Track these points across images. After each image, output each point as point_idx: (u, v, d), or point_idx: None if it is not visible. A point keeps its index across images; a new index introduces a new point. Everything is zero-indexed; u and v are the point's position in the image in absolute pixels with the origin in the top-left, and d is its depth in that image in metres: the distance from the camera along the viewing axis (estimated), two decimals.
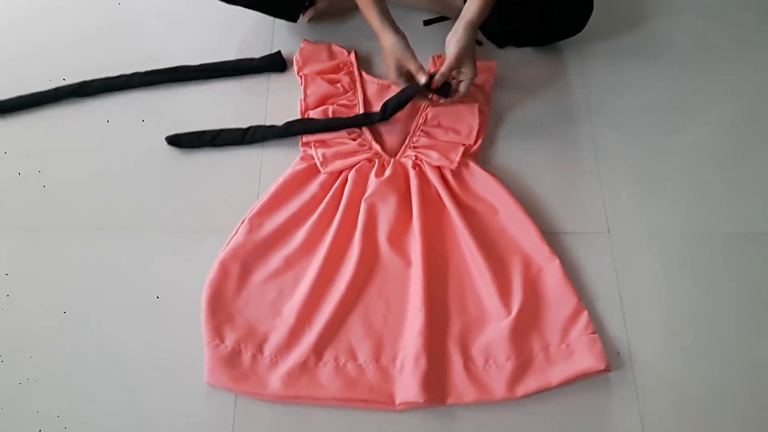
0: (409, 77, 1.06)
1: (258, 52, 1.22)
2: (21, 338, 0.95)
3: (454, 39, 1.03)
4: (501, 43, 1.22)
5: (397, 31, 1.06)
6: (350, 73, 1.18)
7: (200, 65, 1.20)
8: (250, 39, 1.25)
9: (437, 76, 1.04)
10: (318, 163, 1.05)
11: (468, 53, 1.04)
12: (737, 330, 0.96)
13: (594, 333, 0.91)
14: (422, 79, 1.04)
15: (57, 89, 1.18)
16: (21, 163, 1.11)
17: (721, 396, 0.91)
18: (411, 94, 1.06)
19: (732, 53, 1.24)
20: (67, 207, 1.07)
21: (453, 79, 1.06)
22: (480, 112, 1.11)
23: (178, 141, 1.11)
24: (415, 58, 1.04)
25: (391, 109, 1.08)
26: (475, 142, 1.09)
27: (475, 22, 1.04)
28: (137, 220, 1.05)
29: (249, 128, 1.12)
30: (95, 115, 1.17)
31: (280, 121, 1.12)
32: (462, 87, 1.06)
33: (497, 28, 1.13)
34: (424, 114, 1.12)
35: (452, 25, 1.04)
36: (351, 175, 1.04)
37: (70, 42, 1.26)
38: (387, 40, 1.05)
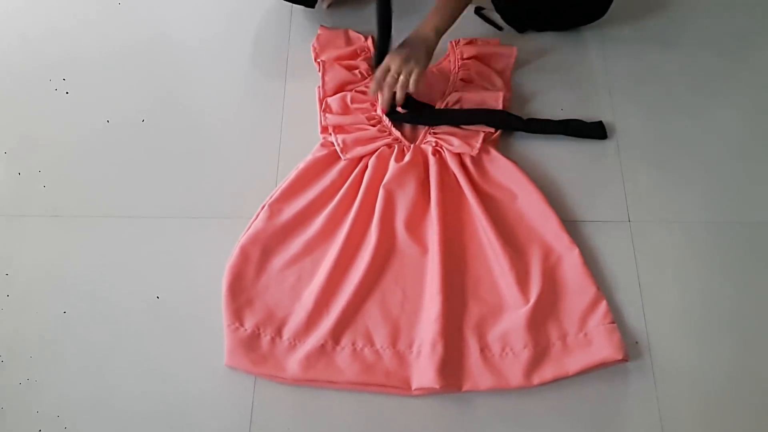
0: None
1: (274, 37, 1.21)
2: (21, 338, 0.95)
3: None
4: (521, 28, 1.21)
5: None
6: (368, 59, 1.17)
7: None
8: (266, 24, 1.25)
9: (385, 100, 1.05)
10: (338, 150, 1.05)
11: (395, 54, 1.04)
12: (757, 320, 0.95)
13: (613, 322, 0.91)
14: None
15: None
16: (23, 159, 1.10)
17: (740, 386, 0.90)
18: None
19: (756, 37, 1.22)
20: (80, 196, 1.06)
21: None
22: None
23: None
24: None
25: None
26: (496, 129, 1.08)
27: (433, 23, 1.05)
28: (154, 207, 1.05)
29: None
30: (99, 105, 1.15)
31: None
32: (410, 85, 1.02)
33: (518, 13, 1.11)
34: (445, 100, 1.11)
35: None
36: (371, 161, 1.04)
37: (77, 24, 1.24)
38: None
